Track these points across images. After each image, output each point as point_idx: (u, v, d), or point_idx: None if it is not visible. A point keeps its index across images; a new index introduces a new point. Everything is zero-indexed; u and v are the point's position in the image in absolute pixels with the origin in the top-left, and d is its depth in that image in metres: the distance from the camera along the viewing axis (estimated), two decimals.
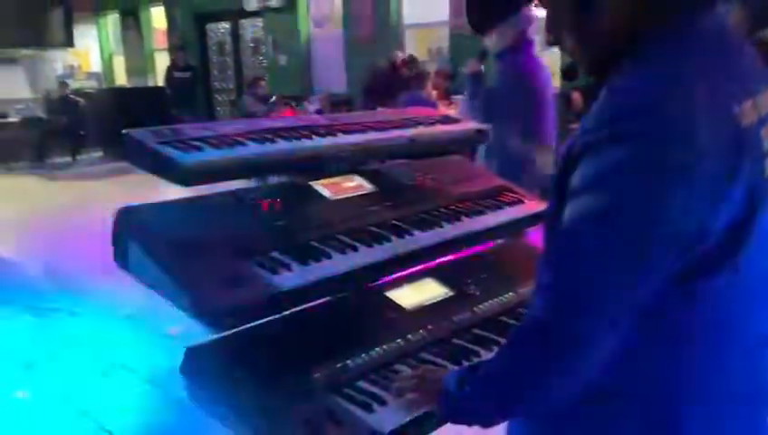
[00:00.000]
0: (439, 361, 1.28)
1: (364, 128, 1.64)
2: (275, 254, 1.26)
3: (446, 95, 6.89)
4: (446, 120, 1.85)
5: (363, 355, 1.26)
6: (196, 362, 1.24)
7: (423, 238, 1.45)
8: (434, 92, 6.74)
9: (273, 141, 1.43)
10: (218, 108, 11.58)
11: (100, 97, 11.39)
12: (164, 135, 1.34)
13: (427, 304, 1.48)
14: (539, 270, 0.95)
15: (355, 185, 1.59)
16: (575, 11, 0.93)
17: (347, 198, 1.53)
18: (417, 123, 1.75)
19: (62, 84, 11.39)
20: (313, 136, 1.50)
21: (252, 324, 1.21)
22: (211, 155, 1.30)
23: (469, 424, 1.02)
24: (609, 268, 0.82)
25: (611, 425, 0.93)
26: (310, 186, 1.51)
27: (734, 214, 0.81)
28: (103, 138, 10.98)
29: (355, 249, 1.34)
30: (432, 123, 1.79)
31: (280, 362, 1.19)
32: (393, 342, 1.32)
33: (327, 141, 1.51)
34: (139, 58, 12.75)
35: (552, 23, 0.99)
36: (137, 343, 3.65)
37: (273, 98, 8.82)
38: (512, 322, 1.47)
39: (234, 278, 1.15)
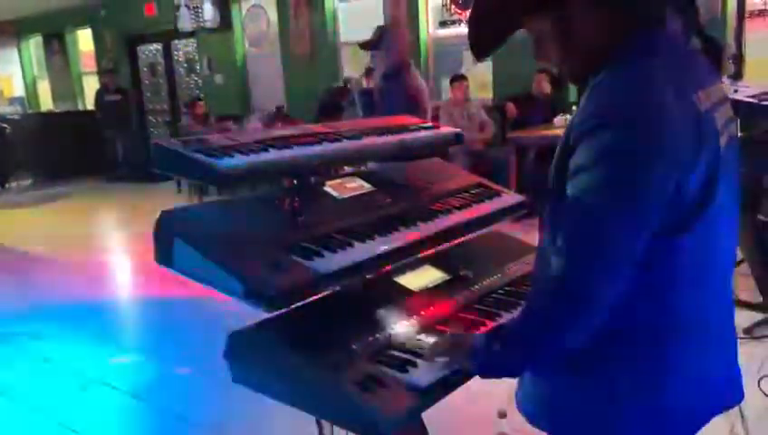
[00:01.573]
0: (453, 331, 1.47)
1: (361, 134, 1.82)
2: (306, 244, 1.42)
3: None
4: (427, 126, 2.05)
5: (388, 329, 1.43)
6: (240, 345, 1.38)
7: (425, 229, 1.65)
8: None
9: (289, 147, 1.59)
10: (152, 129, 11.43)
11: (28, 123, 11.05)
12: (194, 144, 1.48)
13: (431, 286, 1.67)
14: (547, 239, 1.15)
15: (357, 185, 1.77)
16: (561, 40, 1.15)
17: (353, 197, 1.71)
18: (404, 129, 1.95)
19: None
20: (322, 142, 1.67)
21: (286, 309, 1.37)
22: (242, 160, 1.45)
23: (498, 376, 1.21)
24: (613, 227, 1.03)
25: (612, 362, 1.14)
26: (319, 187, 1.68)
27: (701, 178, 1.05)
28: (32, 164, 10.66)
29: (372, 239, 1.52)
30: (416, 129, 1.99)
31: (320, 338, 1.35)
32: (410, 318, 1.50)
33: (335, 146, 1.68)
34: (65, 82, 12.44)
35: (539, 49, 1.20)
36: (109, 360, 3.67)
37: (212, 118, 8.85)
38: (503, 297, 1.68)
39: (278, 265, 1.31)
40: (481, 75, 7.68)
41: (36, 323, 4.26)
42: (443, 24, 7.82)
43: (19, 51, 13.06)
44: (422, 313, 1.54)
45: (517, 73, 6.66)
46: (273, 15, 9.06)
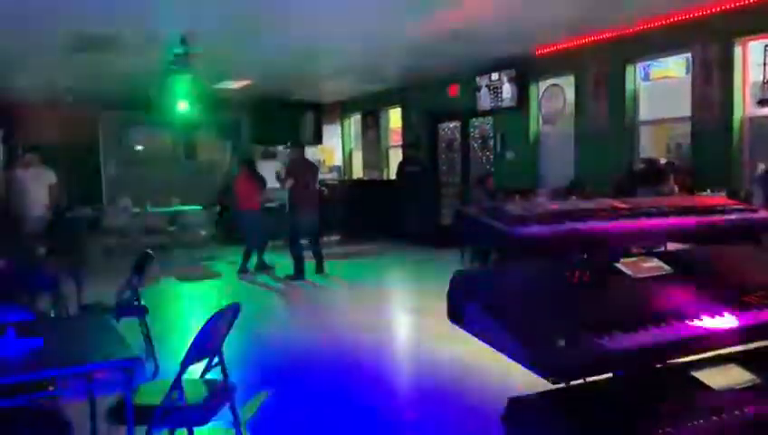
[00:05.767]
0: None
1: (663, 212, 1.73)
2: (595, 320, 1.38)
3: (690, 191, 6.61)
4: (743, 209, 1.86)
5: (681, 425, 1.30)
6: (519, 412, 1.38)
7: (733, 322, 1.48)
8: (675, 187, 6.53)
9: (585, 221, 1.58)
10: (444, 200, 12.21)
11: (342, 188, 12.71)
12: (492, 213, 1.56)
13: (736, 387, 1.48)
14: None
15: (653, 265, 1.67)
16: None
17: (648, 277, 1.61)
18: (713, 210, 1.80)
19: None
20: (620, 218, 1.63)
21: (570, 384, 1.34)
22: (538, 230, 1.48)
23: None
24: None
25: None
26: (613, 263, 1.63)
27: None
28: (341, 223, 12.16)
29: (667, 324, 1.41)
30: (728, 211, 1.81)
31: (601, 422, 1.29)
32: (708, 417, 1.35)
33: (632, 223, 1.62)
34: (374, 154, 14.05)
35: None
36: None
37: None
38: None
39: (565, 337, 1.29)
40: None
41: None
42: (762, 102, 7.03)
43: (341, 127, 15.22)
44: (723, 415, 1.37)
45: None
46: (570, 94, 9.12)
